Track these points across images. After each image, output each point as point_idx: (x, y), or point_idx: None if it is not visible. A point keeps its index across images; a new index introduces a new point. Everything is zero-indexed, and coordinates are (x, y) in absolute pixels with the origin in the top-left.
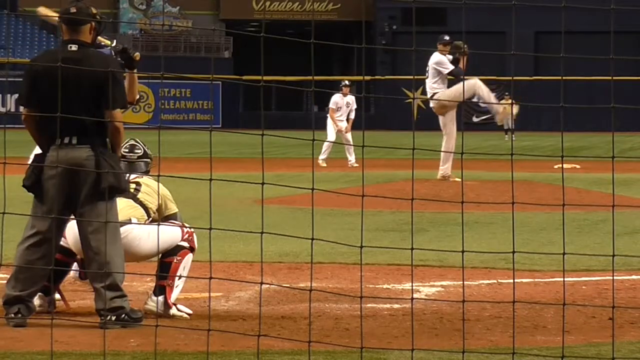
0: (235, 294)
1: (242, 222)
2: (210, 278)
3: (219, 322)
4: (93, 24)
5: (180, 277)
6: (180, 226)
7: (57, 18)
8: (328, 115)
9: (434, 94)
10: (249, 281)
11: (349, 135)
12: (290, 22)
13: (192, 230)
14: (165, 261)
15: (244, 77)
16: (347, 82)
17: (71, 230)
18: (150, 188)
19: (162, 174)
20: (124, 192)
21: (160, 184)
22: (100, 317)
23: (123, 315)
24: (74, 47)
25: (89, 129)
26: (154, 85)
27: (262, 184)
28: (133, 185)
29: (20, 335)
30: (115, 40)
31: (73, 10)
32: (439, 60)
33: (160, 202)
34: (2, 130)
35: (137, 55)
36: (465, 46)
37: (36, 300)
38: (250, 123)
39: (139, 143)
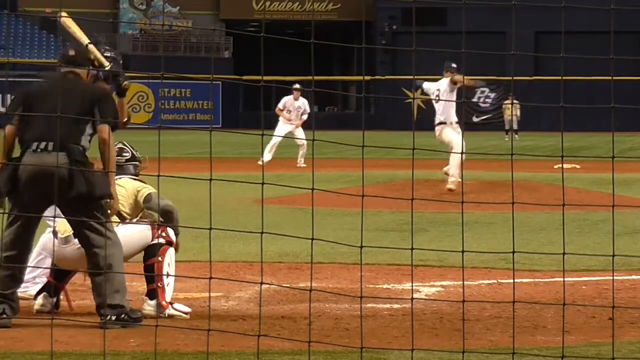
0: (235, 294)
1: (242, 222)
2: (210, 278)
3: (219, 322)
4: (90, 67)
5: (168, 275)
6: (150, 224)
7: (85, 41)
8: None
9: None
10: (249, 281)
11: (299, 132)
12: (290, 22)
13: (164, 225)
14: (148, 264)
15: (244, 77)
16: (297, 86)
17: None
18: (120, 189)
19: (162, 174)
20: (101, 198)
21: (131, 181)
22: (100, 317)
23: (123, 315)
24: (70, 76)
25: (66, 138)
26: (154, 85)
27: (262, 184)
28: None
29: (20, 335)
30: (113, 64)
31: (72, 52)
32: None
33: (132, 199)
34: (2, 130)
35: (127, 84)
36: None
37: (40, 300)
38: (250, 123)
39: (126, 146)
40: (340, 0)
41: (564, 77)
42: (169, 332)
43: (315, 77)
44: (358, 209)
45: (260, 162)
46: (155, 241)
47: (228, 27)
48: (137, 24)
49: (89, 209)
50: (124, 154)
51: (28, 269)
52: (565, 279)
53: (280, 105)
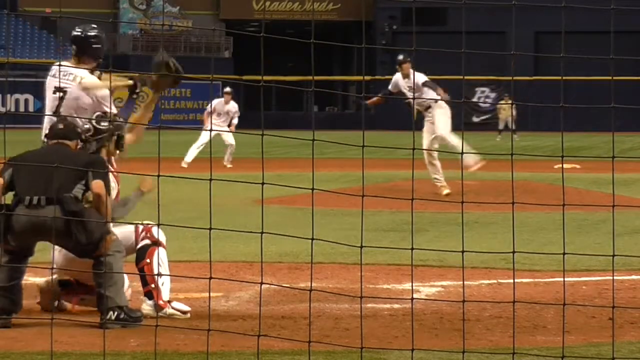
0: (235, 294)
1: (242, 222)
2: (210, 278)
3: (219, 322)
4: (78, 141)
5: (160, 275)
6: (134, 227)
7: (127, 86)
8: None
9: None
10: (249, 281)
11: (229, 137)
12: (290, 22)
13: (150, 225)
14: (139, 268)
15: (244, 77)
16: (228, 89)
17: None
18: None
19: (162, 174)
20: (98, 245)
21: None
22: (100, 316)
23: (122, 315)
24: (60, 146)
25: (58, 191)
26: None
27: (262, 184)
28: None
29: (20, 335)
30: (133, 82)
31: (61, 126)
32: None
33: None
34: (2, 130)
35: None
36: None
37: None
38: (250, 123)
39: (91, 124)
40: (340, 0)
41: (564, 77)
42: (168, 332)
43: (315, 77)
44: (358, 209)
45: (184, 165)
46: (142, 244)
47: (228, 27)
48: (137, 24)
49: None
50: (102, 124)
51: None
52: (565, 279)
53: (208, 109)
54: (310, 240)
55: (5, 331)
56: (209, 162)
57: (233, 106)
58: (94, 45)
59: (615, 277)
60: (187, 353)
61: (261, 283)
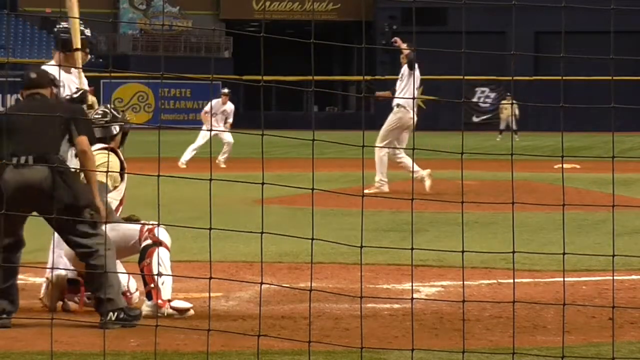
0: (235, 294)
1: (242, 222)
2: (210, 278)
3: (219, 322)
4: (52, 88)
5: (160, 275)
6: (140, 227)
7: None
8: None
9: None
10: (249, 281)
11: (227, 136)
12: (290, 22)
13: (153, 225)
14: (140, 268)
15: (244, 77)
16: (225, 90)
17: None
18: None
19: (162, 174)
20: (86, 207)
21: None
22: (100, 317)
23: (122, 315)
24: (37, 97)
25: (44, 149)
26: (154, 85)
27: (262, 184)
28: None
29: (20, 335)
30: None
31: (33, 75)
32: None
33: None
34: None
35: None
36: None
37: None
38: (250, 123)
39: (108, 108)
40: (340, 0)
41: (564, 77)
42: (168, 332)
43: (315, 77)
44: (358, 209)
45: (182, 166)
46: (144, 244)
47: (228, 27)
48: (137, 24)
49: (75, 219)
50: (106, 117)
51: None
52: (565, 279)
53: (207, 108)
54: (310, 240)
55: (5, 331)
56: (209, 162)
57: (229, 107)
58: (62, 37)
59: (615, 277)
60: (187, 353)
61: (261, 283)
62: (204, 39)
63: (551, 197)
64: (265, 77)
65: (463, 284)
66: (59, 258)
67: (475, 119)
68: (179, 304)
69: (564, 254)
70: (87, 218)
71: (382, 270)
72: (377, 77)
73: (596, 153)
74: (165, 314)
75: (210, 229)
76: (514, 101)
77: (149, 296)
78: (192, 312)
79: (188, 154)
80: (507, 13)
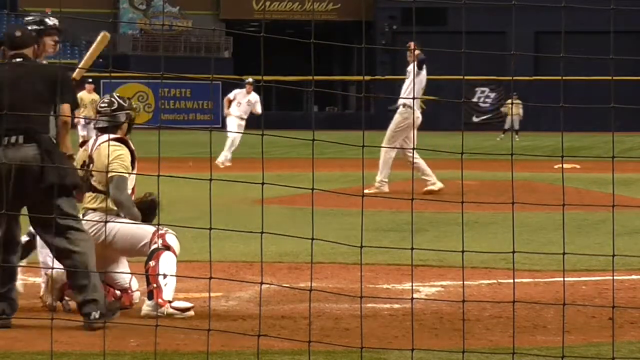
0: (235, 294)
1: (242, 222)
2: (210, 278)
3: (219, 322)
4: (35, 46)
5: (165, 276)
6: (153, 231)
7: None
8: (225, 112)
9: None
10: (249, 281)
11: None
12: (290, 22)
13: (165, 229)
14: (145, 269)
15: (244, 77)
16: (250, 80)
17: None
18: (97, 161)
19: (162, 174)
20: (73, 188)
21: (112, 144)
22: (83, 316)
23: (103, 311)
24: (19, 59)
25: (35, 128)
26: (154, 85)
27: (262, 184)
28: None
29: (20, 335)
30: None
31: (18, 33)
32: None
33: (106, 160)
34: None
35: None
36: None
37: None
38: (251, 123)
39: (114, 97)
40: (340, 0)
41: (564, 77)
42: (169, 332)
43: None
44: (358, 209)
45: (222, 165)
46: (153, 247)
47: (228, 27)
48: (137, 24)
49: (59, 202)
50: (113, 107)
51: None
52: (565, 279)
53: (230, 95)
54: (310, 240)
55: (5, 331)
56: (209, 162)
57: (254, 97)
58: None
59: (615, 277)
60: (187, 353)
61: (261, 283)
62: (204, 39)
63: (551, 197)
64: (265, 77)
65: (463, 284)
66: (47, 257)
67: (475, 119)
68: (180, 304)
69: (564, 254)
70: (72, 199)
71: (382, 270)
72: (377, 77)
73: (596, 153)
74: (165, 314)
75: (210, 229)
76: (517, 101)
77: (150, 295)
78: (192, 312)
79: (227, 152)
80: (507, 13)
